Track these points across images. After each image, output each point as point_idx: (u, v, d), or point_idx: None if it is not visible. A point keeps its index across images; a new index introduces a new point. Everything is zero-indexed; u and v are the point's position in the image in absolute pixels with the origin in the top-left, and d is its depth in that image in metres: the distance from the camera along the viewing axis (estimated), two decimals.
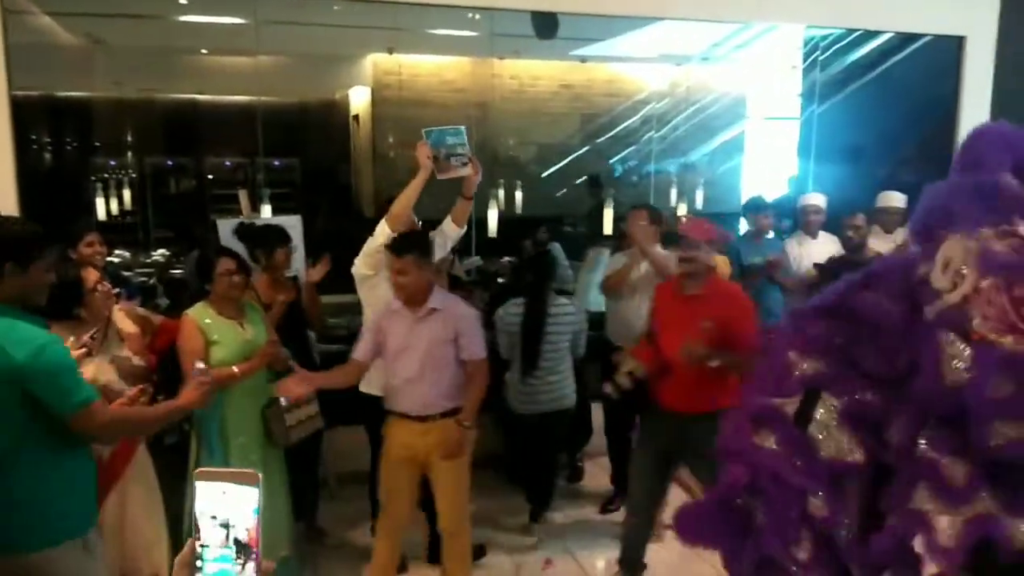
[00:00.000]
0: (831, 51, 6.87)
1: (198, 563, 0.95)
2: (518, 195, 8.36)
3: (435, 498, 3.57)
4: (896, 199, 5.25)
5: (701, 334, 3.26)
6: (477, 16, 7.30)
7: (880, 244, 5.18)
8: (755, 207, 5.42)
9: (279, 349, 3.47)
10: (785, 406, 1.56)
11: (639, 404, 3.81)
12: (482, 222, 6.63)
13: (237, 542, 0.95)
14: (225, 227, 4.36)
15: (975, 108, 5.53)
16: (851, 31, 6.31)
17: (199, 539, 0.96)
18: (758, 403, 1.59)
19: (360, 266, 3.66)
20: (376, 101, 8.43)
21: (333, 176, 8.88)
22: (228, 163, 8.63)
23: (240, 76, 7.90)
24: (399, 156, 8.51)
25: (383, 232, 3.48)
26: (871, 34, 6.19)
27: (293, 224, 4.42)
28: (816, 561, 1.43)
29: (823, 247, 5.24)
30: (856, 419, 1.46)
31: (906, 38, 5.89)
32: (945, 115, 5.63)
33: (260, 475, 0.97)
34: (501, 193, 8.60)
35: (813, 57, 7.36)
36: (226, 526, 0.96)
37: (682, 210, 7.84)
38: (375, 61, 8.36)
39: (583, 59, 8.76)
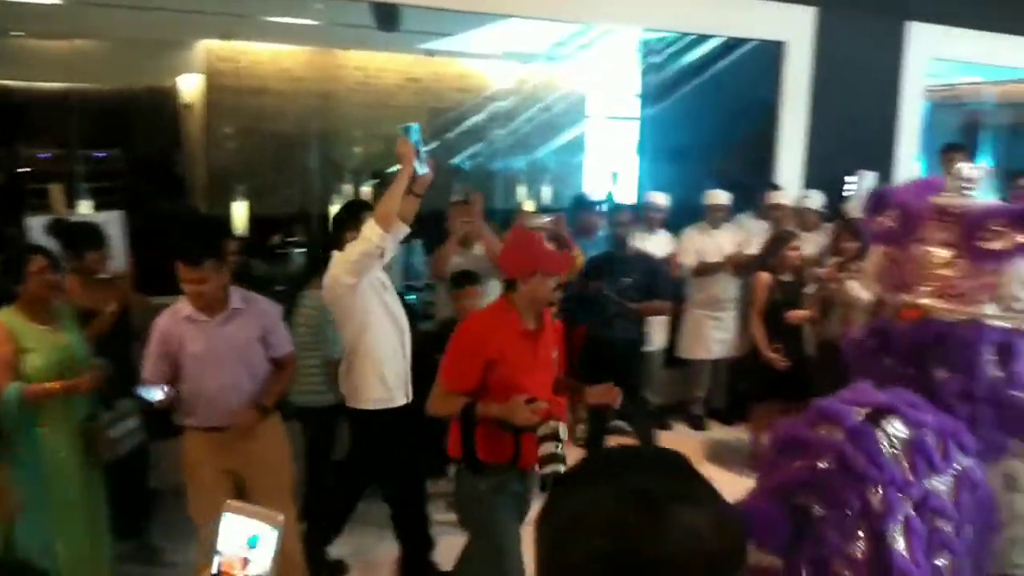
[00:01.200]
0: (665, 54, 7.16)
1: None
2: (365, 189, 8.17)
3: None
4: (721, 197, 5.55)
5: (555, 369, 3.02)
6: (319, 5, 7.09)
7: (707, 241, 5.46)
8: (582, 206, 5.46)
9: (105, 372, 3.24)
10: (855, 412, 1.61)
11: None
12: (326, 218, 6.42)
13: None
14: (37, 224, 4.05)
15: (794, 109, 5.94)
16: (683, 35, 6.61)
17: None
18: (826, 403, 1.64)
19: (341, 274, 3.30)
20: (210, 88, 8.02)
21: (162, 167, 8.34)
22: (45, 155, 7.94)
23: (56, 61, 7.30)
24: (236, 145, 8.15)
25: (374, 234, 3.18)
26: (702, 38, 6.50)
27: (112, 220, 4.13)
28: (869, 561, 1.47)
29: (661, 243, 5.48)
30: (917, 449, 1.55)
31: (733, 43, 6.23)
32: (768, 115, 6.02)
33: (282, 517, 1.04)
34: (348, 188, 8.41)
35: (649, 59, 7.65)
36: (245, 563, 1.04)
37: (528, 206, 7.96)
38: (209, 47, 7.95)
39: (430, 53, 8.69)
